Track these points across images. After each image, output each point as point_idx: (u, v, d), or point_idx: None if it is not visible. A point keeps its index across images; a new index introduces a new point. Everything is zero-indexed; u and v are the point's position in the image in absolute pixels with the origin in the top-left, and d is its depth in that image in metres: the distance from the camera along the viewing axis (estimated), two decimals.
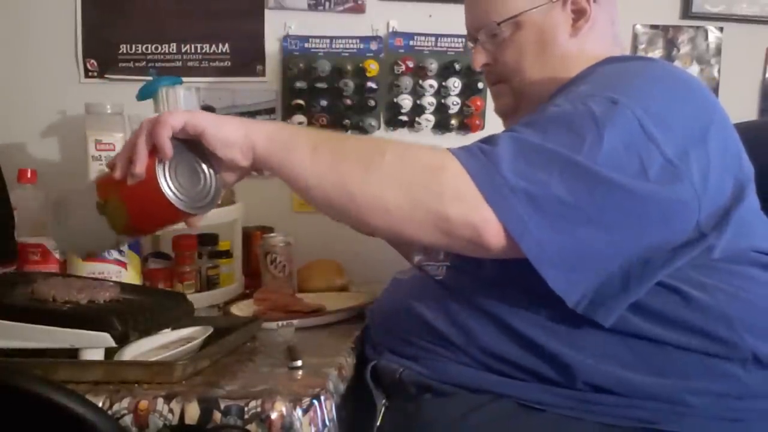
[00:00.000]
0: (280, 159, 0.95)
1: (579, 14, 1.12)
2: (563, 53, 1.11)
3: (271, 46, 1.85)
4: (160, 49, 1.85)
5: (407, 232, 0.91)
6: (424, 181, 0.89)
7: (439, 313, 1.02)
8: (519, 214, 0.86)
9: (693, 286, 0.93)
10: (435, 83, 1.82)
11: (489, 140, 0.92)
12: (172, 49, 1.85)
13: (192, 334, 1.11)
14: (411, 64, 1.81)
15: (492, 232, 0.87)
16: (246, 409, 0.88)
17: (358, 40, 1.83)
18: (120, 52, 1.86)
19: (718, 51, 1.83)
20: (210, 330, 1.10)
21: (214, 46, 1.85)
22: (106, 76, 1.86)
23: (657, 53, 1.82)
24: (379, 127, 1.84)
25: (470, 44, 1.20)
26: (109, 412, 0.88)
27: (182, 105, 1.52)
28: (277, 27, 1.84)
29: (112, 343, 0.99)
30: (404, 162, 0.91)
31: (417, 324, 1.04)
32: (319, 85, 1.82)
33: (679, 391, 0.93)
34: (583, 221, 0.87)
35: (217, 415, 0.88)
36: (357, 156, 0.92)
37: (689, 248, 0.92)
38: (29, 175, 1.56)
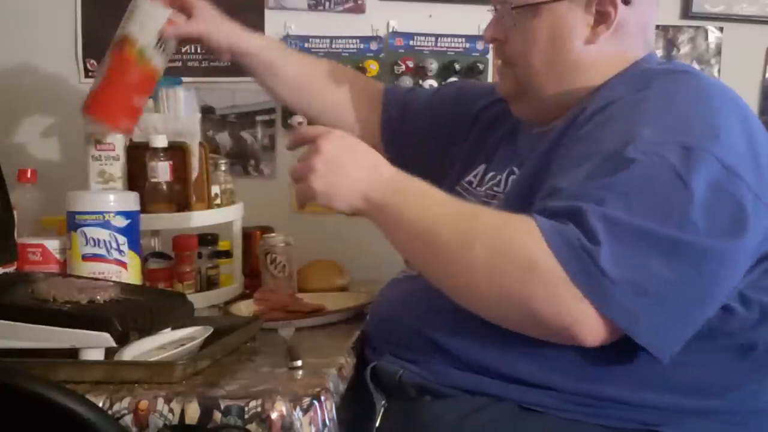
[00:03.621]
0: (384, 229, 0.98)
1: (602, 17, 1.06)
2: (576, 59, 1.08)
3: None
4: None
5: (497, 322, 0.91)
6: (516, 282, 0.85)
7: (438, 324, 1.01)
8: (627, 306, 0.82)
9: (734, 300, 0.92)
10: (435, 83, 1.81)
11: (576, 216, 0.85)
12: None
13: (192, 334, 1.11)
14: (411, 64, 1.81)
15: (591, 327, 0.84)
16: (246, 409, 0.88)
17: (358, 40, 1.83)
18: None
19: (718, 51, 1.83)
20: (210, 330, 1.10)
21: None
22: None
23: (657, 53, 1.81)
24: None
25: (489, 10, 1.16)
26: (109, 412, 0.88)
27: (182, 105, 1.52)
28: (277, 27, 1.84)
29: (112, 343, 0.99)
30: (494, 259, 0.87)
31: (416, 335, 1.03)
32: None
33: (688, 402, 0.93)
34: (690, 296, 0.85)
35: (217, 415, 0.88)
36: (446, 250, 0.91)
37: (749, 272, 0.91)
38: (29, 175, 1.56)
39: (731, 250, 0.86)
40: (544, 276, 0.83)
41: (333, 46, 1.83)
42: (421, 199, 0.97)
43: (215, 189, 1.50)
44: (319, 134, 1.01)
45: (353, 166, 0.99)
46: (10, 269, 1.28)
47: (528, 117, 1.17)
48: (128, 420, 0.88)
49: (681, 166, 0.86)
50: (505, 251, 0.87)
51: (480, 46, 1.79)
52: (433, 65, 1.81)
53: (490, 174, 1.18)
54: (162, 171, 1.38)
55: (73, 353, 1.00)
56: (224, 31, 1.34)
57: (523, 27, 1.09)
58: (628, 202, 0.85)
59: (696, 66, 1.82)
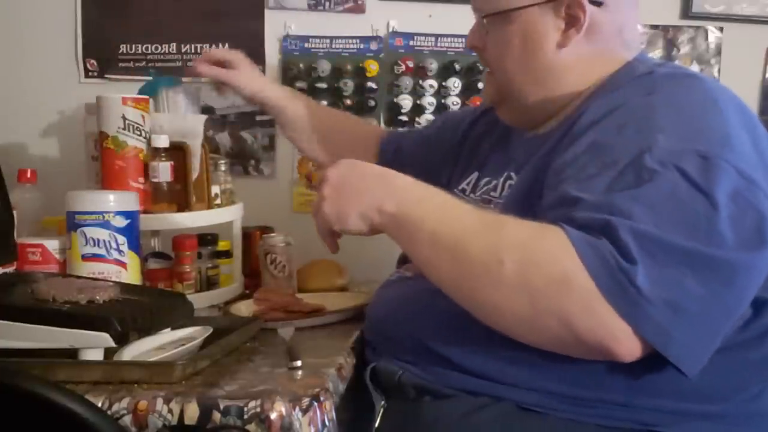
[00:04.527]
0: (403, 243, 0.97)
1: (573, 21, 1.05)
2: (549, 64, 1.07)
3: (271, 46, 1.85)
4: (159, 49, 1.85)
5: (527, 340, 0.88)
6: (548, 297, 0.83)
7: (433, 331, 1.01)
8: (662, 326, 0.80)
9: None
10: (435, 83, 1.82)
11: (606, 229, 0.82)
12: (172, 49, 1.85)
13: (192, 334, 1.11)
14: (411, 64, 1.82)
15: (627, 343, 0.81)
16: (245, 409, 0.88)
17: (358, 40, 1.83)
18: (120, 52, 1.86)
19: (718, 51, 1.83)
20: (210, 330, 1.10)
21: (214, 46, 1.84)
22: (106, 76, 1.86)
23: (657, 53, 1.82)
24: None
25: (474, 16, 1.16)
26: (109, 412, 0.88)
27: (182, 105, 1.52)
28: (277, 27, 1.84)
29: (112, 343, 0.99)
30: (524, 274, 0.84)
31: (412, 339, 1.03)
32: (319, 85, 1.82)
33: (690, 406, 0.93)
34: (722, 312, 0.85)
35: (217, 416, 0.88)
36: (472, 264, 0.87)
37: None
38: (29, 175, 1.56)
39: (756, 260, 0.85)
40: (578, 291, 0.81)
41: (333, 46, 1.83)
42: (441, 209, 0.93)
43: (215, 189, 1.50)
44: (327, 167, 1.03)
45: (360, 182, 0.99)
46: (10, 269, 1.29)
47: (514, 121, 1.17)
48: (127, 420, 0.88)
49: (701, 177, 0.85)
50: (537, 264, 0.84)
51: None
52: (433, 65, 1.81)
53: (485, 180, 1.17)
54: (163, 171, 1.38)
55: (72, 353, 1.00)
56: (254, 83, 1.51)
57: (497, 34, 1.10)
58: (655, 216, 0.83)
59: (696, 66, 1.83)
